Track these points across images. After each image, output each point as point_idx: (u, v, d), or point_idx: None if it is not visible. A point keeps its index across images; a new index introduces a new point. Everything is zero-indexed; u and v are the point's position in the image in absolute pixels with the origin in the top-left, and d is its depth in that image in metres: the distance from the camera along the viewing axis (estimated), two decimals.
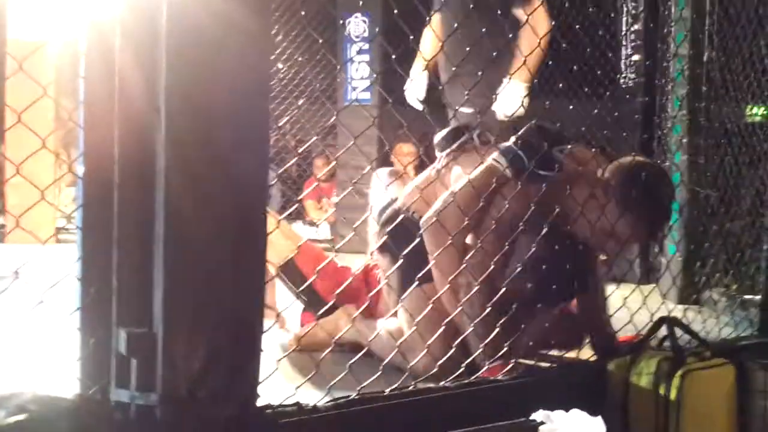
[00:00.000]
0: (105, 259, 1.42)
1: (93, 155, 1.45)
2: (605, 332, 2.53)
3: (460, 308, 2.20)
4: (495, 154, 2.44)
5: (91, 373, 1.45)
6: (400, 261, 2.18)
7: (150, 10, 1.38)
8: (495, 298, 2.17)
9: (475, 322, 2.20)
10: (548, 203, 2.28)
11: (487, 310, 2.17)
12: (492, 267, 2.22)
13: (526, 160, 2.37)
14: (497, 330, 2.13)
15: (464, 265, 2.23)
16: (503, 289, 2.17)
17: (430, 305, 2.12)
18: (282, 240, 2.68)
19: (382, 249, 2.58)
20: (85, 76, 1.45)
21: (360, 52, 6.17)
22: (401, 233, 2.32)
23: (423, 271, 2.22)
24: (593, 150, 2.50)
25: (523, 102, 3.20)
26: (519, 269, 2.23)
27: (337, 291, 2.19)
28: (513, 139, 2.48)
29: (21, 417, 1.31)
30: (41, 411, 1.34)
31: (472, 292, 2.21)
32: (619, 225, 2.32)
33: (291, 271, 2.71)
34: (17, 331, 1.94)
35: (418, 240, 2.19)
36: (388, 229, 2.47)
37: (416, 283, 2.24)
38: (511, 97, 3.23)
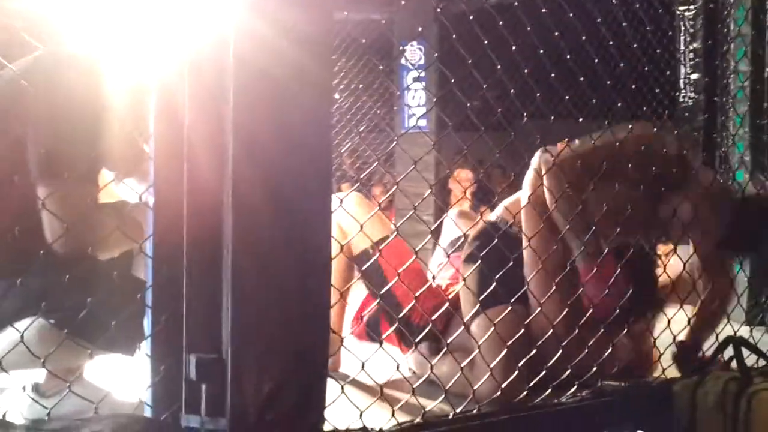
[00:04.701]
0: (175, 287, 1.46)
1: (163, 186, 1.49)
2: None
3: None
4: None
5: (161, 399, 1.48)
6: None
7: (217, 54, 1.43)
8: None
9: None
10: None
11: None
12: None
13: None
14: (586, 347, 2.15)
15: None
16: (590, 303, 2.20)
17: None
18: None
19: (470, 262, 2.55)
20: (155, 109, 1.50)
21: (416, 79, 6.22)
22: (495, 246, 2.30)
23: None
24: None
25: None
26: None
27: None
28: None
29: None
30: None
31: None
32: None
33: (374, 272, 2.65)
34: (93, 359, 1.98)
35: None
36: (478, 242, 2.48)
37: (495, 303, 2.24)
38: None
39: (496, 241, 2.27)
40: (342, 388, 1.66)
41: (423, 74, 6.14)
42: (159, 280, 1.49)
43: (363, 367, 1.73)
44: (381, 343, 1.87)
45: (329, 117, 1.58)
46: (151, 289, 1.49)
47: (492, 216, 2.68)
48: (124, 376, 2.06)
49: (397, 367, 1.85)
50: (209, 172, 1.45)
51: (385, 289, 2.36)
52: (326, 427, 1.54)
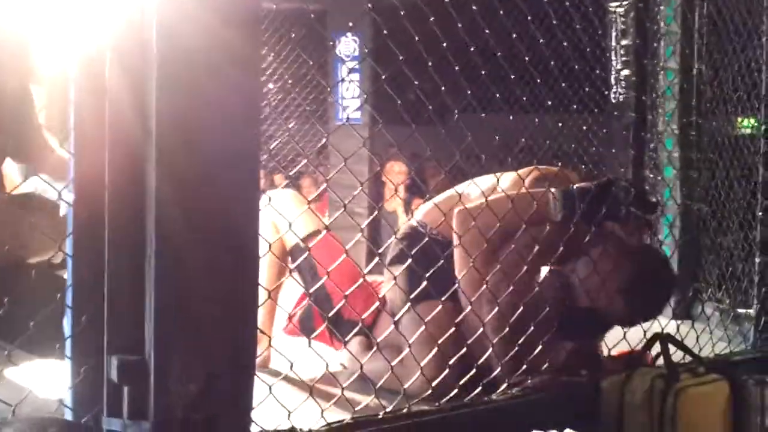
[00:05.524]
0: (96, 286, 1.42)
1: (83, 181, 1.45)
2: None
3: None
4: (555, 190, 2.44)
5: (82, 402, 1.44)
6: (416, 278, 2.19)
7: (140, 35, 1.38)
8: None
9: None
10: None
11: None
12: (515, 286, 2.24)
13: (577, 207, 2.39)
14: (518, 347, 2.16)
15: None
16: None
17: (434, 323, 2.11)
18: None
19: (397, 263, 2.54)
20: (75, 101, 1.45)
21: (351, 71, 6.19)
22: (418, 249, 2.29)
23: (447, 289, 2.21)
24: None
25: None
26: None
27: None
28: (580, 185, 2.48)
29: None
30: None
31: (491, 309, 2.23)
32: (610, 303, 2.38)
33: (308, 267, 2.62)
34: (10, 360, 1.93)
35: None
36: (405, 243, 2.48)
37: (424, 298, 2.23)
38: None
39: (422, 241, 2.28)
40: (270, 388, 1.63)
41: (357, 66, 6.12)
42: (79, 279, 1.44)
43: (291, 367, 1.71)
44: (309, 341, 1.85)
45: (258, 95, 1.55)
46: (71, 289, 1.44)
47: (411, 221, 2.69)
48: (50, 374, 2.00)
49: (327, 366, 1.83)
50: (132, 165, 1.40)
51: (316, 286, 2.35)
52: (254, 428, 1.51)
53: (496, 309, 2.22)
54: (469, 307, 2.25)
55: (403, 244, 2.53)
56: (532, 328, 2.21)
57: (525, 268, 2.28)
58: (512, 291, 2.24)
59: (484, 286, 2.26)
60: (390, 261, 2.61)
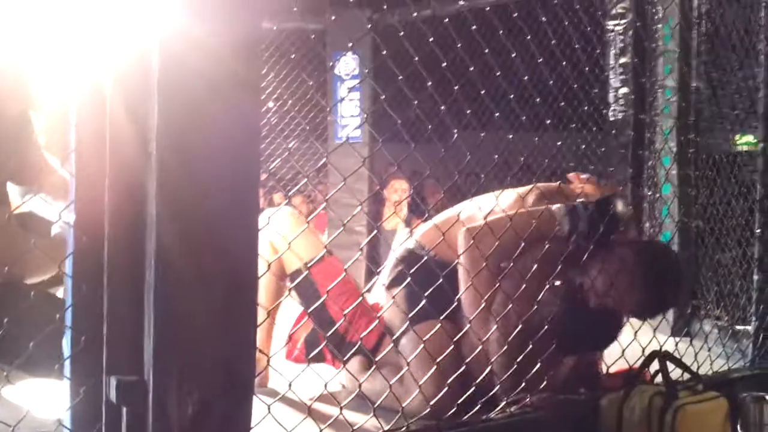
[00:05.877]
0: (95, 307, 1.42)
1: (84, 203, 1.45)
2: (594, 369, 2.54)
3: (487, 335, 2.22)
4: (559, 205, 2.47)
5: (81, 422, 1.44)
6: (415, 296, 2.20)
7: (141, 59, 1.39)
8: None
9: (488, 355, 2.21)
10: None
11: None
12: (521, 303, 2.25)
13: (583, 223, 2.43)
14: (518, 365, 2.16)
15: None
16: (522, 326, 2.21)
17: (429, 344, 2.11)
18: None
19: (396, 285, 2.55)
20: (77, 124, 1.46)
21: (350, 90, 6.21)
22: (416, 270, 2.30)
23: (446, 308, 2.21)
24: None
25: None
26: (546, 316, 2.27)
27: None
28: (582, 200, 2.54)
29: None
30: None
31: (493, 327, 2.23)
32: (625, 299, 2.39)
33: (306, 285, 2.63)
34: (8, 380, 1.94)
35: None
36: (403, 265, 2.49)
37: (420, 320, 2.24)
38: None
39: (419, 262, 2.29)
40: (269, 407, 1.63)
41: (357, 85, 6.14)
42: (79, 299, 1.45)
43: (290, 386, 1.71)
44: (309, 362, 1.85)
45: (258, 117, 1.55)
46: (71, 309, 1.45)
47: (409, 243, 2.69)
48: (49, 395, 2.00)
49: (325, 386, 1.83)
50: (132, 189, 1.41)
51: (316, 305, 2.35)
52: None
53: (517, 327, 2.23)
54: (477, 326, 2.25)
55: (402, 265, 2.53)
56: (547, 344, 2.22)
57: (537, 284, 2.29)
58: (527, 308, 2.25)
59: (495, 305, 2.27)
60: (390, 283, 2.61)
